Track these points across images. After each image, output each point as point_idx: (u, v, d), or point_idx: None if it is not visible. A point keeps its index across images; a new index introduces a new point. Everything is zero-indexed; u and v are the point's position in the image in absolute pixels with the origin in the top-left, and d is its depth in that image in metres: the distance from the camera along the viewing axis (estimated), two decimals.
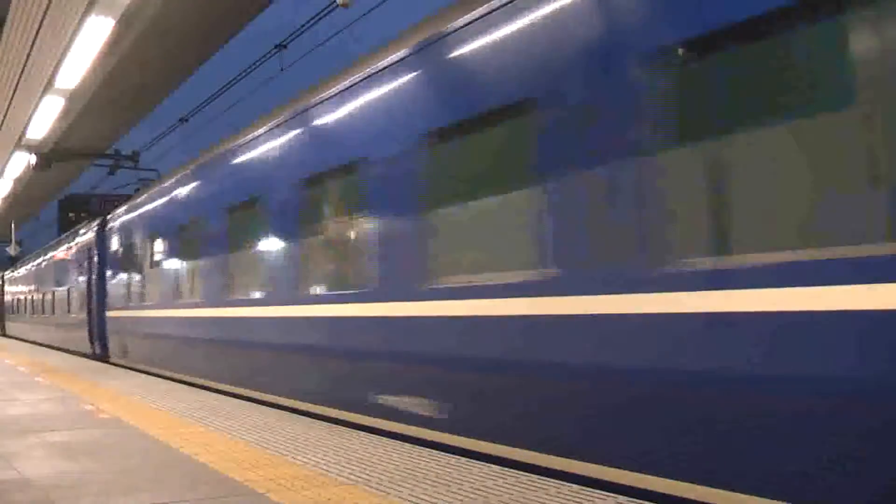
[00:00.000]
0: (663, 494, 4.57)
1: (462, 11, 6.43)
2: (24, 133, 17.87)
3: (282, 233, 9.38)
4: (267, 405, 9.23)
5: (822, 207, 4.04)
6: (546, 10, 5.46)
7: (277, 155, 9.65)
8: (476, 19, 6.22)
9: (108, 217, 18.98)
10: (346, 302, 7.81)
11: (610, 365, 4.92)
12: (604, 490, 4.67)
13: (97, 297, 19.00)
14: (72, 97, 15.00)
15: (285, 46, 14.83)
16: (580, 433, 5.15)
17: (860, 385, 3.69)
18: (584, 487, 4.69)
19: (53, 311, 25.51)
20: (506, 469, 5.27)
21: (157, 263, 14.37)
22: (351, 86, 8.04)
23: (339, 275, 8.30)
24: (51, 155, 20.58)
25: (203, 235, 11.91)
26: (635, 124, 4.79)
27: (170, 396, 10.07)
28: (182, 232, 12.97)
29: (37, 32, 12.13)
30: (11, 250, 37.91)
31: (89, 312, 19.67)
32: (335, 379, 8.14)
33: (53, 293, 25.65)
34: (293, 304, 8.98)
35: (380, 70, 7.52)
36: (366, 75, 7.76)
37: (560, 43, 5.37)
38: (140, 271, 15.44)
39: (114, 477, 5.39)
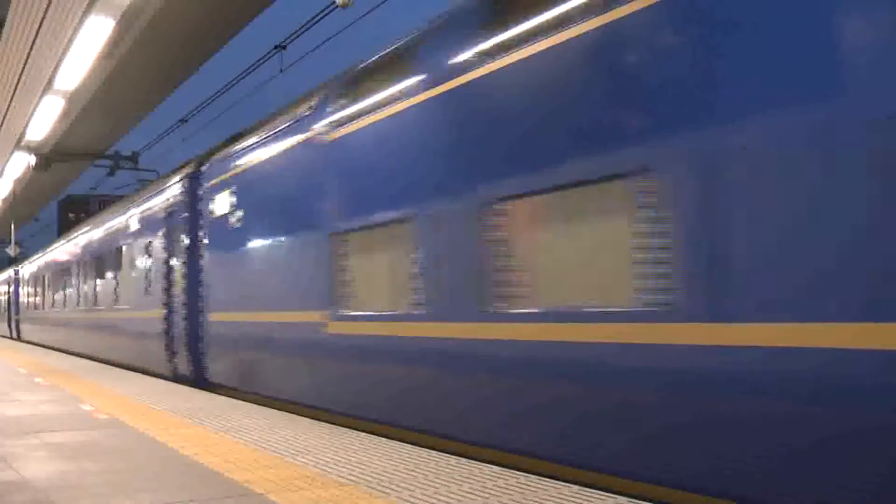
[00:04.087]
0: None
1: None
2: (23, 133, 17.88)
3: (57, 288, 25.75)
4: (265, 406, 9.24)
5: None
6: None
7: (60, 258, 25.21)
8: None
9: (19, 267, 35.31)
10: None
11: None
12: (603, 491, 4.66)
13: (15, 306, 35.74)
14: (72, 98, 14.98)
15: (285, 47, 14.80)
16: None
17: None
18: (583, 488, 4.68)
19: None
20: (506, 469, 5.27)
21: (38, 291, 29.78)
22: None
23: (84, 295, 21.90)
24: (51, 155, 20.62)
25: (47, 284, 27.41)
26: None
27: (169, 397, 10.07)
28: (41, 278, 28.96)
29: (37, 32, 12.13)
30: (11, 251, 37.99)
31: (8, 313, 36.82)
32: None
33: None
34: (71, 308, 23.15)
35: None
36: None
37: None
38: (32, 295, 31.15)
39: (113, 478, 5.39)
